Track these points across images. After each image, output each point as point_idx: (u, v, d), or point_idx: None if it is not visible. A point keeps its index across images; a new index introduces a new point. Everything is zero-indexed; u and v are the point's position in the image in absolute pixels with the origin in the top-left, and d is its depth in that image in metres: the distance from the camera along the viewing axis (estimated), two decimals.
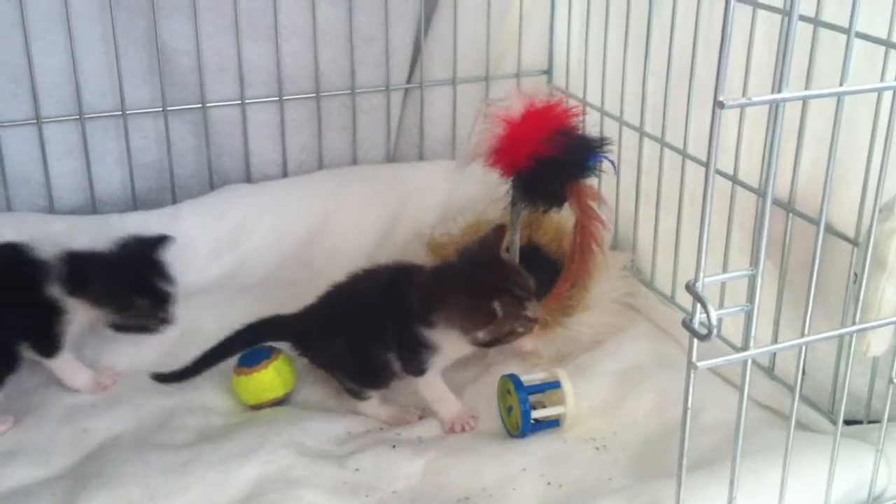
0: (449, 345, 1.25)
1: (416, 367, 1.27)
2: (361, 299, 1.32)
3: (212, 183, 1.68)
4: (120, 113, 1.58)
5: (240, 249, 1.62)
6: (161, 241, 1.42)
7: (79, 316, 1.36)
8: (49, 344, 1.35)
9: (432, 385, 1.30)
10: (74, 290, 1.34)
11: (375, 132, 1.77)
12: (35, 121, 1.54)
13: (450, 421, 1.30)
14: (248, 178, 1.70)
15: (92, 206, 1.61)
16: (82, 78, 1.55)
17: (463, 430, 1.29)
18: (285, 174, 1.72)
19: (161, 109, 1.60)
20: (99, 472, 1.19)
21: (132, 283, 1.37)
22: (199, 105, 1.62)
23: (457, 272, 1.28)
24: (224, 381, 1.41)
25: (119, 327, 1.38)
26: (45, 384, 1.39)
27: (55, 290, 1.34)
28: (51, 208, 1.59)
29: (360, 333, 1.29)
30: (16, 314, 1.32)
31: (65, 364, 1.37)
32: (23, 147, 1.56)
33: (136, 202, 1.64)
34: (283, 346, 1.38)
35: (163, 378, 1.35)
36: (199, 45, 1.58)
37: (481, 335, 1.21)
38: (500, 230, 1.28)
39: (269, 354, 1.37)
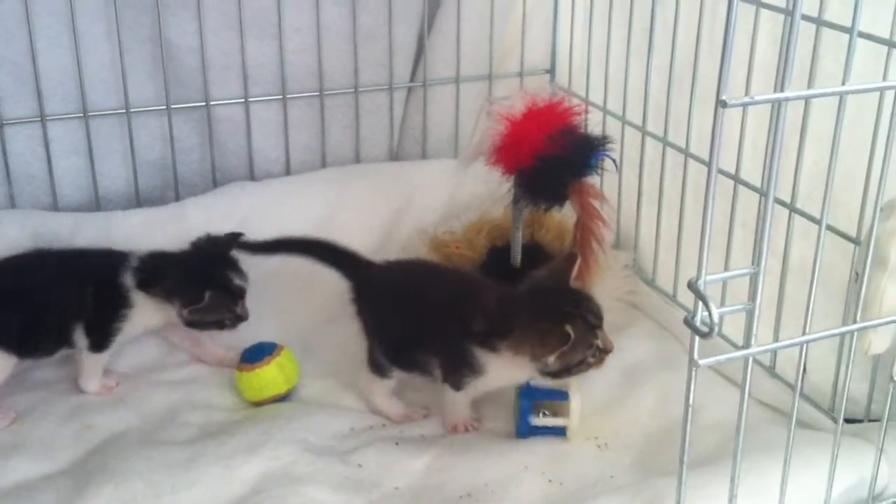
0: (499, 372, 1.22)
1: (455, 381, 1.25)
2: (430, 294, 1.29)
3: (215, 180, 1.68)
4: (124, 111, 1.59)
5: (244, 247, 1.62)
6: (234, 238, 1.44)
7: (147, 313, 1.38)
8: (102, 338, 1.37)
9: (457, 401, 1.29)
10: (145, 284, 1.36)
11: (378, 130, 1.77)
12: (39, 118, 1.55)
13: (452, 424, 1.30)
14: (252, 176, 1.70)
15: (96, 204, 1.61)
16: (87, 76, 1.55)
17: (466, 430, 1.30)
18: (288, 172, 1.72)
19: (165, 107, 1.61)
20: (103, 468, 1.19)
21: (204, 277, 1.38)
22: (203, 103, 1.63)
23: (527, 297, 1.23)
24: (226, 379, 1.42)
25: (195, 323, 1.39)
26: (48, 380, 1.40)
27: (126, 282, 1.37)
28: (55, 205, 1.59)
29: (416, 326, 1.28)
30: (84, 298, 1.35)
31: (96, 364, 1.39)
32: (27, 144, 1.57)
33: (139, 200, 1.64)
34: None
35: (246, 246, 1.41)
36: (204, 42, 1.58)
37: (551, 360, 1.17)
38: (570, 258, 1.25)
39: (271, 350, 1.37)
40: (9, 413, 1.32)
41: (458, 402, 1.29)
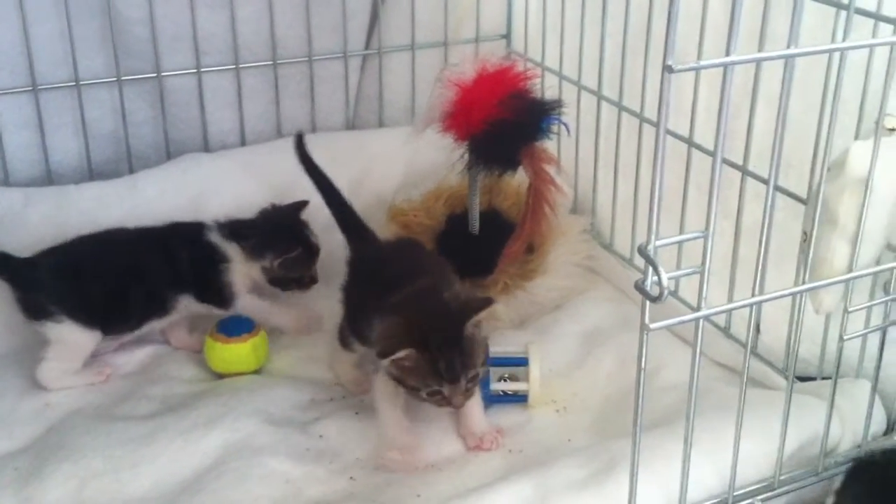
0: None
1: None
2: (387, 273, 1.25)
3: (169, 152, 1.66)
4: (74, 84, 1.56)
5: (199, 218, 1.61)
6: (301, 205, 1.47)
7: (243, 266, 1.41)
8: (218, 295, 1.41)
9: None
10: (237, 235, 1.41)
11: (334, 99, 1.76)
12: None
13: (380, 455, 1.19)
14: (207, 148, 1.68)
15: (48, 178, 1.59)
16: (35, 48, 1.52)
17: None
18: (243, 143, 1.71)
19: (116, 79, 1.58)
20: (62, 445, 1.19)
21: (291, 233, 1.43)
22: (155, 74, 1.60)
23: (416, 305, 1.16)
24: (185, 352, 1.41)
25: (278, 281, 1.43)
26: (5, 357, 1.39)
27: (216, 240, 1.41)
28: (6, 180, 1.56)
29: (365, 300, 1.25)
30: (180, 266, 1.38)
31: (255, 310, 1.42)
32: None
33: (92, 173, 1.62)
34: None
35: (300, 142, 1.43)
36: (153, 12, 1.55)
37: (384, 363, 1.12)
38: (483, 304, 1.15)
39: (250, 328, 1.37)
40: (105, 369, 1.35)
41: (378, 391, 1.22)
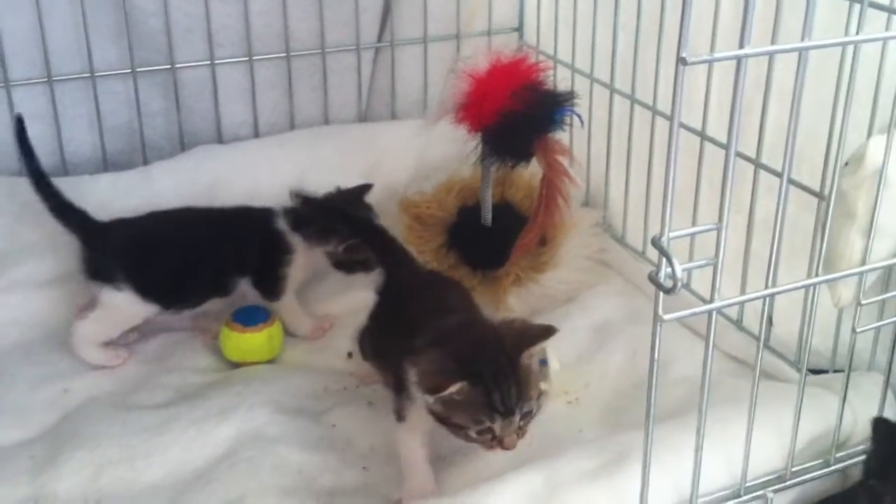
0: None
1: (396, 403, 1.13)
2: (405, 306, 1.20)
3: (182, 144, 1.67)
4: (89, 75, 1.57)
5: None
6: (365, 188, 1.49)
7: (304, 257, 1.43)
8: (273, 286, 1.42)
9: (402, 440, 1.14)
10: (301, 226, 1.42)
11: (347, 92, 1.76)
12: (3, 84, 1.53)
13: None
14: (220, 139, 1.69)
15: (63, 169, 1.60)
16: (50, 40, 1.53)
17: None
18: (257, 134, 1.71)
19: (130, 71, 1.59)
20: (76, 433, 1.20)
21: (352, 217, 1.42)
22: (168, 66, 1.61)
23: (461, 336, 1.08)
24: (200, 341, 1.42)
25: (343, 265, 1.44)
26: (21, 346, 1.39)
27: (282, 226, 1.42)
28: (21, 171, 1.57)
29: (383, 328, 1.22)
30: (247, 251, 1.40)
31: (288, 310, 1.43)
32: None
33: (106, 164, 1.63)
34: None
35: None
36: (167, 4, 1.56)
37: (430, 399, 1.03)
38: (545, 333, 1.07)
39: (266, 318, 1.38)
40: (122, 354, 1.37)
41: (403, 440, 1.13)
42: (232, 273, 1.41)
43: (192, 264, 1.38)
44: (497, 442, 1.03)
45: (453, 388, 0.99)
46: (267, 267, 1.42)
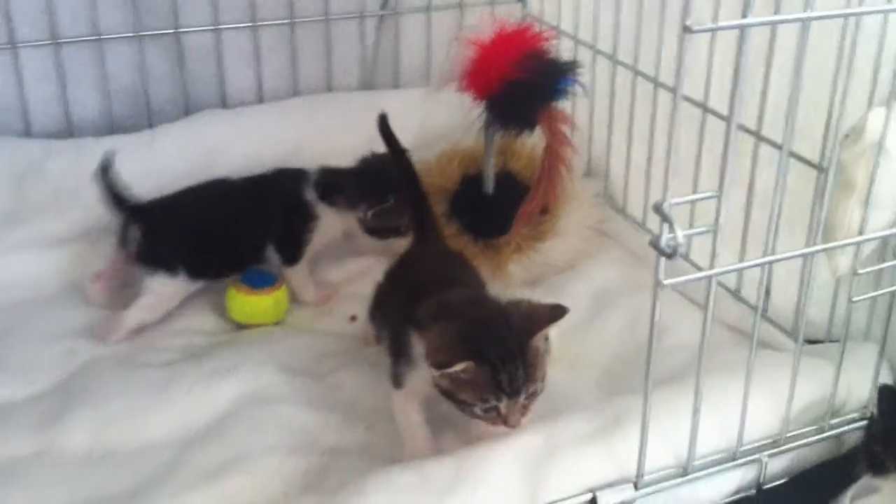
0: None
1: (393, 369, 1.16)
2: (414, 277, 1.22)
3: (187, 108, 1.68)
4: (95, 38, 1.58)
5: (215, 174, 1.62)
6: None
7: (330, 223, 1.44)
8: (294, 251, 1.43)
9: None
10: (327, 195, 1.43)
11: (350, 59, 1.77)
12: (10, 46, 1.53)
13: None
14: (224, 104, 1.70)
15: (68, 131, 1.61)
16: (55, 2, 1.54)
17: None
18: (260, 100, 1.72)
19: (135, 34, 1.60)
20: (83, 390, 1.22)
21: (386, 182, 1.42)
22: (173, 30, 1.62)
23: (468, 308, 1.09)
24: (207, 303, 1.43)
25: (375, 229, 1.45)
26: (28, 303, 1.41)
27: (310, 197, 1.43)
28: (27, 132, 1.59)
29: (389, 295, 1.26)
30: (273, 218, 1.41)
31: (300, 277, 1.45)
32: None
33: (112, 127, 1.64)
34: None
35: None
36: None
37: (436, 375, 1.03)
38: (556, 314, 1.07)
39: (273, 282, 1.40)
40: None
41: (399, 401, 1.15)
42: (264, 238, 1.43)
43: (235, 238, 1.40)
44: (502, 420, 1.04)
45: (459, 367, 1.00)
46: (290, 232, 1.43)
